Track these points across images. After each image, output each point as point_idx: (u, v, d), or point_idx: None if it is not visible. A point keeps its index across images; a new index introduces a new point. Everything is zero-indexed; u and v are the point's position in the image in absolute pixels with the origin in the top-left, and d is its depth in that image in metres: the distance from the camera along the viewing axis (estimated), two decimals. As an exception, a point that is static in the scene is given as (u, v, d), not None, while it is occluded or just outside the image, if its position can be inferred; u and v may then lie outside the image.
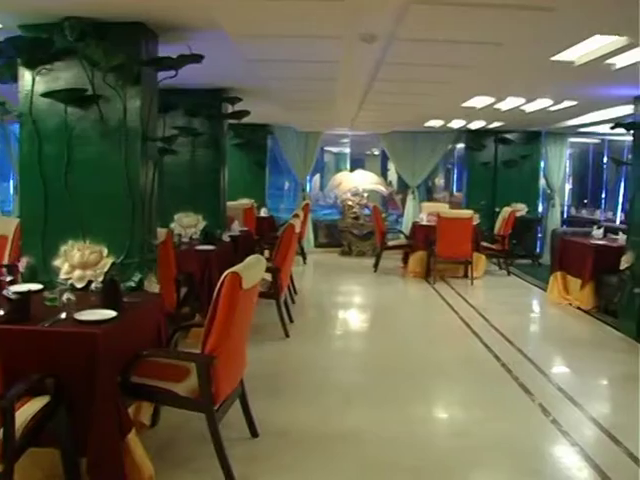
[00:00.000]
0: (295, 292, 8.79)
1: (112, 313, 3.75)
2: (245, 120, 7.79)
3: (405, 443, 4.31)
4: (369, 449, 4.21)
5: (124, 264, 4.63)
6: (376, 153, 19.56)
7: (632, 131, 7.38)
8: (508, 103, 8.17)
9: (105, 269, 4.44)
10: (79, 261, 4.40)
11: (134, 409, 4.07)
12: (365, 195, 14.27)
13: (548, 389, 5.44)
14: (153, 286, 4.79)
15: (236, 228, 8.89)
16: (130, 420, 3.63)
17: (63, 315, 3.69)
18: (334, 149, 20.30)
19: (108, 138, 4.62)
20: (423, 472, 3.92)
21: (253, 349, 4.81)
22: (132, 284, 4.61)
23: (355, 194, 14.16)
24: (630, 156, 8.15)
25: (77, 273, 4.41)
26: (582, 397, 5.22)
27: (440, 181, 19.08)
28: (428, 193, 17.12)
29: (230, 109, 7.74)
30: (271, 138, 13.76)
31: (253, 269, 3.84)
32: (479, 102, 8.18)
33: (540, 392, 5.32)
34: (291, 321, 7.30)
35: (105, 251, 4.52)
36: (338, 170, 18.96)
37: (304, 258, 12.15)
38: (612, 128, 7.57)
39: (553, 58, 5.21)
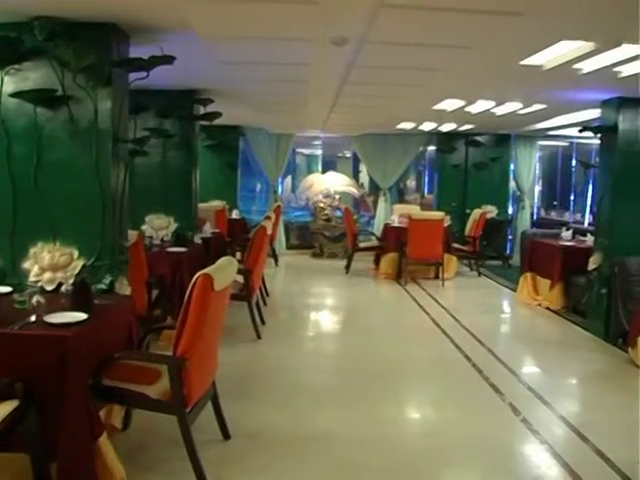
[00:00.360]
0: (267, 294, 8.79)
1: (83, 315, 3.72)
2: (217, 122, 7.77)
3: (376, 443, 4.34)
4: (340, 450, 4.22)
5: (95, 266, 4.60)
6: (348, 155, 19.61)
7: (599, 134, 7.49)
8: (478, 106, 8.25)
9: (76, 271, 4.40)
10: (49, 263, 4.36)
11: (105, 412, 4.05)
12: (337, 197, 14.31)
13: (518, 389, 5.51)
14: (124, 288, 4.76)
15: (208, 230, 8.87)
16: (101, 423, 3.61)
17: (33, 318, 3.65)
18: (306, 151, 20.31)
19: (78, 139, 4.58)
20: (394, 472, 3.95)
21: (225, 351, 4.81)
22: (103, 286, 4.57)
23: (327, 196, 14.20)
24: (597, 159, 8.26)
25: (47, 275, 4.37)
26: (551, 396, 5.29)
27: (411, 183, 19.18)
28: (399, 195, 17.21)
29: (202, 110, 7.72)
30: (243, 140, 13.74)
31: (225, 271, 3.84)
32: (450, 105, 8.25)
33: (510, 392, 5.38)
34: (263, 323, 7.30)
35: (76, 253, 4.48)
36: (310, 172, 18.99)
37: (276, 260, 12.15)
38: (580, 131, 7.68)
39: (522, 62, 5.28)
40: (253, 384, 5.47)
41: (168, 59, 4.57)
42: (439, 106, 8.37)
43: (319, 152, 18.36)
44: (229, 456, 4.09)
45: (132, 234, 5.44)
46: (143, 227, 7.22)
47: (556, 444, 4.36)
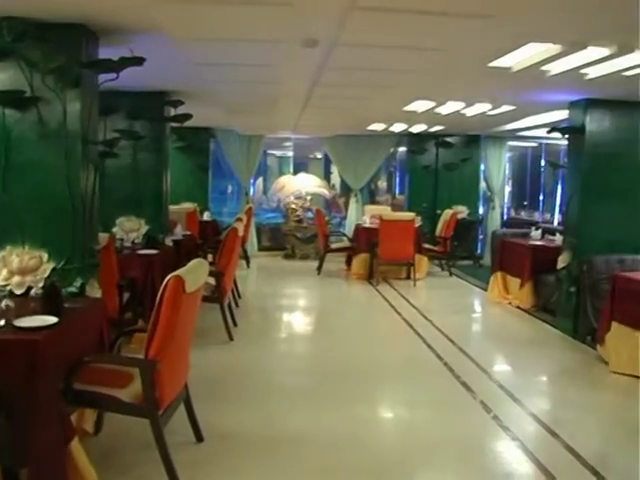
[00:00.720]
0: (239, 296, 8.77)
1: (53, 319, 3.68)
2: (188, 123, 7.74)
3: (349, 444, 4.35)
4: (313, 451, 4.23)
5: (65, 269, 4.55)
6: (319, 156, 19.65)
7: (567, 135, 7.59)
8: (448, 107, 8.32)
9: (45, 275, 4.35)
10: (18, 267, 4.31)
11: (77, 416, 4.01)
12: (308, 198, 14.32)
13: (489, 387, 5.57)
14: (95, 291, 4.73)
15: (179, 232, 8.83)
16: (73, 428, 3.57)
17: (2, 322, 3.61)
18: (277, 152, 20.31)
19: (48, 141, 4.54)
20: (366, 473, 3.96)
21: (197, 353, 4.80)
22: (74, 289, 4.54)
23: (298, 197, 14.20)
24: (566, 160, 8.37)
25: (16, 279, 4.31)
26: (522, 394, 5.35)
27: (382, 184, 19.27)
28: (371, 196, 17.29)
29: (172, 112, 7.69)
30: (214, 141, 13.70)
31: (196, 273, 3.83)
32: (420, 106, 8.31)
33: (481, 390, 5.44)
34: (235, 325, 7.29)
35: (45, 256, 4.43)
36: (281, 173, 18.99)
37: (247, 262, 12.12)
38: (548, 132, 7.77)
39: (491, 64, 5.34)
40: (225, 386, 5.46)
41: (138, 60, 4.55)
42: (409, 107, 8.43)
43: (290, 154, 18.36)
44: (202, 458, 4.08)
45: (103, 237, 5.40)
46: (114, 229, 7.16)
47: (527, 441, 4.41)
